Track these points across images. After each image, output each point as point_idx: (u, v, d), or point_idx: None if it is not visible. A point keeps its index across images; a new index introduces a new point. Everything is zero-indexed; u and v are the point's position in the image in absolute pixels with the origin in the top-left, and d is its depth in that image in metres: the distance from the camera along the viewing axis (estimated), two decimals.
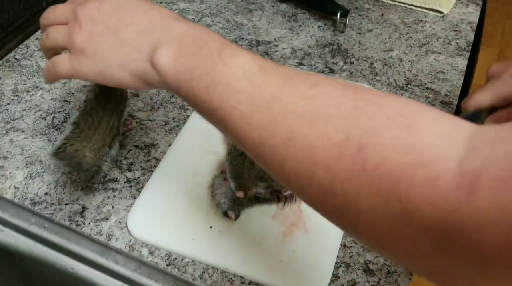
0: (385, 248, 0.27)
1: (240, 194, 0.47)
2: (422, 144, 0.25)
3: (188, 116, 0.62)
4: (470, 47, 0.73)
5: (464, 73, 0.69)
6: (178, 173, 0.54)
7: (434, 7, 0.80)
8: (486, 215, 0.22)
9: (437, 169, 0.23)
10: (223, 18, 0.78)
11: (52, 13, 0.44)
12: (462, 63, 0.71)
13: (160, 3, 0.80)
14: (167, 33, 0.37)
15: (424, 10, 0.81)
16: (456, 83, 0.67)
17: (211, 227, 0.48)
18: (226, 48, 0.35)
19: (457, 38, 0.75)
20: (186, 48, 0.36)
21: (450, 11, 0.80)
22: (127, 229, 0.50)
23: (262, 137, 0.30)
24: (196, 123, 0.60)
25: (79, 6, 0.41)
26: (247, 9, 0.80)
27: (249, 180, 0.48)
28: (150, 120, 0.62)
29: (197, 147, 0.56)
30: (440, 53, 0.73)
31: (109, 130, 0.56)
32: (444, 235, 0.23)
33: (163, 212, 0.50)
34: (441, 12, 0.80)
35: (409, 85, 0.67)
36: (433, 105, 0.64)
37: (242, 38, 0.74)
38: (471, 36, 0.75)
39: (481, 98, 0.50)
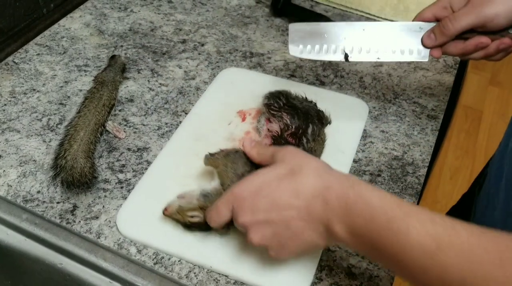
0: None
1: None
2: None
3: (180, 122, 0.63)
4: (457, 65, 0.76)
5: (450, 89, 0.71)
6: (168, 175, 0.55)
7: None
8: None
9: None
10: (219, 30, 0.80)
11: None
12: (449, 79, 0.73)
13: (158, 14, 0.82)
14: (326, 208, 0.39)
15: None
16: (443, 98, 0.70)
17: None
18: (394, 218, 0.36)
19: (445, 56, 0.77)
20: (353, 225, 0.38)
21: None
22: (116, 227, 0.51)
23: None
24: (187, 129, 0.61)
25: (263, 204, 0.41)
26: (242, 22, 0.83)
27: None
28: (144, 125, 0.63)
29: (187, 151, 0.57)
30: (428, 69, 0.75)
31: (96, 128, 0.59)
32: None
33: (152, 212, 0.51)
34: None
35: (397, 99, 0.69)
36: (420, 118, 0.66)
37: (237, 50, 0.77)
38: None
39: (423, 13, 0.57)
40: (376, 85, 0.72)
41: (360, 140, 0.63)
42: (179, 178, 0.55)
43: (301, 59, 0.76)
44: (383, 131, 0.64)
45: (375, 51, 0.58)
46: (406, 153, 0.62)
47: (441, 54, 0.56)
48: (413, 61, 0.76)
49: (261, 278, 0.46)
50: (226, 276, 0.47)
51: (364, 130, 0.64)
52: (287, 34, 0.81)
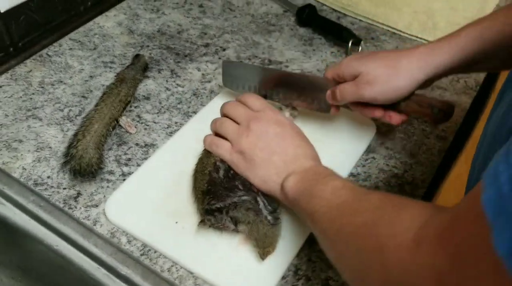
0: None
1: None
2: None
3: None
4: (478, 87, 0.74)
5: (466, 111, 0.70)
6: (163, 170, 0.58)
7: None
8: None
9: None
10: (242, 36, 0.82)
11: (233, 110, 0.56)
12: (467, 101, 0.71)
13: (187, 17, 0.86)
14: (300, 167, 0.50)
15: None
16: (456, 120, 0.68)
17: (176, 222, 0.52)
18: (330, 176, 0.47)
19: (467, 77, 0.75)
20: (305, 177, 0.48)
21: None
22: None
23: (327, 228, 0.42)
24: (192, 129, 0.64)
25: (255, 119, 0.54)
26: (267, 30, 0.84)
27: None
28: (155, 122, 0.66)
29: (187, 150, 0.59)
30: (446, 89, 0.73)
31: (109, 121, 0.62)
32: None
33: (142, 204, 0.54)
34: None
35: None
36: (428, 138, 0.65)
37: (256, 56, 0.78)
38: (481, 77, 0.76)
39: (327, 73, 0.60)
40: None
41: (362, 155, 0.63)
42: (174, 174, 0.57)
43: (318, 70, 0.76)
44: (387, 148, 0.64)
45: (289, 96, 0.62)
46: (407, 171, 0.61)
47: (338, 111, 0.60)
48: None
49: (223, 279, 0.48)
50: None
51: (369, 145, 0.64)
52: (309, 44, 0.82)
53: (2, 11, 0.69)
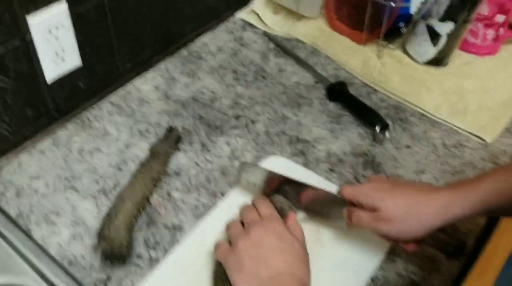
0: None
1: None
2: None
3: (215, 203, 0.69)
4: None
5: (483, 226, 0.70)
6: (189, 260, 0.61)
7: (478, 134, 0.82)
8: None
9: None
10: (272, 109, 0.85)
11: (244, 212, 0.60)
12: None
13: (221, 84, 0.89)
14: None
15: (468, 134, 0.83)
16: (474, 232, 0.69)
17: None
18: None
19: None
20: None
21: (494, 140, 0.82)
22: None
23: None
24: (218, 216, 0.67)
25: (256, 225, 0.56)
26: (297, 103, 0.87)
27: None
28: (183, 202, 0.70)
29: (211, 242, 0.62)
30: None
31: (141, 200, 0.66)
32: None
33: None
34: (484, 140, 0.81)
35: None
36: (438, 262, 0.67)
37: (284, 133, 0.81)
38: None
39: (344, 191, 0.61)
40: None
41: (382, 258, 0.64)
42: (198, 267, 0.61)
43: (344, 152, 0.78)
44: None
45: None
46: (425, 278, 0.63)
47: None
48: (457, 173, 0.76)
49: None
50: None
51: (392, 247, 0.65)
52: (337, 122, 0.84)
53: (49, 82, 0.73)
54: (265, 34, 1.01)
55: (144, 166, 0.71)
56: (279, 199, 0.65)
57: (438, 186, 0.58)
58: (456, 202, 0.52)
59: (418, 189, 0.56)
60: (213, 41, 0.99)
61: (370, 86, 0.91)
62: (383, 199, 0.55)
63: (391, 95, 0.89)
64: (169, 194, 0.71)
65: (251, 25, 1.03)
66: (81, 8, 0.71)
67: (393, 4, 0.87)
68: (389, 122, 0.82)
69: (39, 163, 0.73)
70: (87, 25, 0.74)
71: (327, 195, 0.64)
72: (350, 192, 0.59)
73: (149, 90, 0.87)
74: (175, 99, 0.85)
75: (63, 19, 0.68)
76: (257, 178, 0.67)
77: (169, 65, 0.92)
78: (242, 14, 1.05)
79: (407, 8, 0.93)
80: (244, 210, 0.61)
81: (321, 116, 0.85)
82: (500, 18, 0.91)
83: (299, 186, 0.66)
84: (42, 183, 0.70)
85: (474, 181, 0.53)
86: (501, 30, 0.93)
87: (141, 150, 0.76)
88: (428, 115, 0.86)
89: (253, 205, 0.62)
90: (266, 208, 0.60)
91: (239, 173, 0.69)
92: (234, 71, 0.92)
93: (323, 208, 0.64)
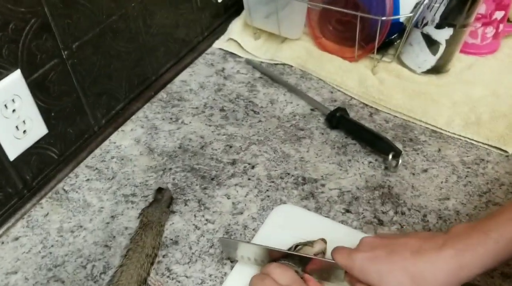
0: None
1: None
2: None
3: (225, 273, 0.60)
4: None
5: None
6: None
7: (497, 145, 0.74)
8: None
9: None
10: (271, 147, 0.76)
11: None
12: None
13: (209, 126, 0.80)
14: None
15: (486, 147, 0.75)
16: None
17: None
18: None
19: None
20: None
21: None
22: None
23: None
24: None
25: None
26: (296, 136, 0.78)
27: None
28: (187, 277, 0.60)
29: None
30: (503, 205, 0.67)
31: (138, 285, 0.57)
32: None
33: None
34: (505, 151, 0.74)
35: None
36: (492, 278, 0.59)
37: (288, 174, 0.72)
38: None
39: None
40: (442, 226, 0.65)
41: None
42: None
43: (357, 187, 0.70)
44: None
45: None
46: None
47: None
48: (485, 194, 0.69)
49: None
50: None
51: None
52: (343, 153, 0.76)
53: (11, 159, 0.63)
54: (248, 62, 0.92)
55: (135, 242, 0.62)
56: (288, 262, 0.57)
57: (443, 233, 0.49)
58: (465, 261, 0.45)
59: (418, 248, 0.48)
60: (193, 78, 0.90)
61: (371, 106, 0.83)
62: (381, 275, 0.47)
63: (395, 114, 0.81)
64: (169, 269, 0.61)
65: (232, 54, 0.95)
66: (37, 73, 0.61)
67: (383, 18, 0.79)
68: (400, 146, 0.74)
69: (15, 253, 0.63)
70: (48, 90, 0.64)
71: (326, 262, 0.56)
72: (343, 263, 0.52)
73: (129, 145, 0.77)
74: (160, 151, 0.76)
75: (19, 89, 0.58)
76: (254, 252, 0.59)
77: (148, 113, 0.82)
78: (220, 43, 0.96)
79: (398, 19, 0.86)
80: (257, 283, 0.53)
81: (324, 148, 0.76)
82: (499, 14, 0.84)
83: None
84: (20, 277, 0.60)
85: (483, 226, 0.47)
86: (501, 26, 0.87)
87: (129, 219, 0.67)
88: (439, 131, 0.78)
89: (265, 273, 0.53)
90: (283, 272, 0.53)
91: (224, 250, 0.61)
92: (222, 109, 0.83)
93: (323, 273, 0.57)
